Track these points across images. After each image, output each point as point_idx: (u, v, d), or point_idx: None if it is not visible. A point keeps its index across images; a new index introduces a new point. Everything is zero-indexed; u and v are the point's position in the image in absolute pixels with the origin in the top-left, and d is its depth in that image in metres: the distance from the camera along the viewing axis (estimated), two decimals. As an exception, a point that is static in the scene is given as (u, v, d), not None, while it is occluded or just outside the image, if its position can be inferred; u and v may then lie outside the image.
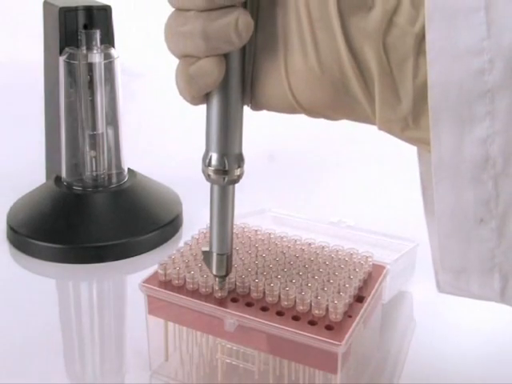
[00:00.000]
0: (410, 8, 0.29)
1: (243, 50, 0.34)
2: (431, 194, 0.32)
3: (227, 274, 0.39)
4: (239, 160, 0.36)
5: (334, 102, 0.32)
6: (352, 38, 0.30)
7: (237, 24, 0.31)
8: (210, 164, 0.36)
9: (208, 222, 0.48)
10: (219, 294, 0.39)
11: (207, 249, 0.39)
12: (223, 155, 0.35)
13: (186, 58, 0.33)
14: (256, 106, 0.35)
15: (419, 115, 0.30)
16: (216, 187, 0.37)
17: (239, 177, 0.36)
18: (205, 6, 0.31)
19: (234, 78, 0.34)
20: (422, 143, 0.31)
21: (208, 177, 0.36)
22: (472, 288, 0.31)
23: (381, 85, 0.30)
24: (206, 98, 0.35)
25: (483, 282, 0.30)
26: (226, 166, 0.36)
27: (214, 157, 0.36)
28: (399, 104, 0.30)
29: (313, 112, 0.34)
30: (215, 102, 0.34)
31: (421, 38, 0.29)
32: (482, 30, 0.28)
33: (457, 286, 0.32)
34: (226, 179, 0.36)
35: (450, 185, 0.29)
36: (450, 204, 0.30)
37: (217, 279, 0.39)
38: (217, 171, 0.36)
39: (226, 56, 0.33)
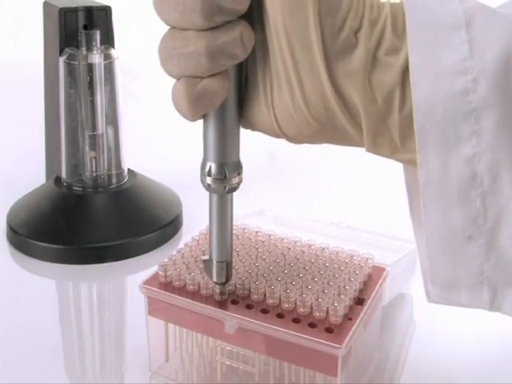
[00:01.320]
0: (392, 39, 0.29)
1: (240, 65, 0.33)
2: (417, 203, 0.32)
3: (227, 280, 0.39)
4: (238, 167, 0.36)
5: (320, 134, 0.32)
6: (337, 78, 0.30)
7: (242, 38, 0.31)
8: (209, 174, 0.36)
9: (208, 224, 0.48)
10: (220, 297, 0.39)
11: (207, 257, 0.39)
12: (222, 164, 0.35)
13: (188, 78, 0.32)
14: (244, 125, 0.36)
15: (407, 139, 0.30)
16: (215, 196, 0.37)
17: (238, 184, 0.37)
18: (205, 25, 0.30)
19: (231, 94, 0.34)
20: (411, 163, 0.31)
21: (208, 186, 0.36)
22: (462, 300, 0.31)
23: (367, 119, 0.30)
24: (203, 114, 0.35)
25: (473, 294, 0.31)
26: (226, 175, 0.36)
27: (214, 166, 0.36)
28: (387, 132, 0.30)
29: (298, 141, 0.34)
30: (213, 117, 0.35)
31: (405, 69, 0.29)
32: (464, 50, 0.28)
33: (447, 298, 0.32)
34: (227, 188, 0.36)
35: (438, 204, 0.30)
36: (439, 223, 0.30)
37: (217, 286, 0.39)
38: (217, 180, 0.36)
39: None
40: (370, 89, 0.30)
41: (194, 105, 0.33)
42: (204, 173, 0.36)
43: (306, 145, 0.35)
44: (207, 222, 0.47)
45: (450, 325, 0.50)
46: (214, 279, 0.39)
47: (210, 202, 0.37)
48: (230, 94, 0.34)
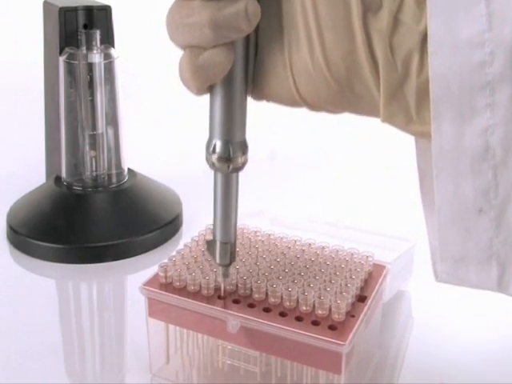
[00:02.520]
0: (414, 6, 0.30)
1: (247, 37, 0.33)
2: (428, 185, 0.33)
3: (231, 262, 0.38)
4: (243, 147, 0.36)
5: (338, 98, 0.32)
6: (368, 35, 0.30)
7: (246, 11, 0.31)
8: (213, 152, 0.35)
9: (208, 222, 0.48)
10: (222, 279, 0.39)
11: (210, 238, 0.38)
12: (227, 142, 0.35)
13: (192, 48, 0.32)
14: (257, 96, 0.35)
15: (423, 109, 0.30)
16: (220, 175, 0.36)
17: (243, 164, 0.36)
18: None
19: (238, 67, 0.33)
20: (425, 136, 0.31)
21: (212, 165, 0.36)
22: (470, 277, 0.31)
23: (386, 81, 0.30)
24: (210, 88, 0.34)
25: (481, 270, 0.31)
26: (230, 154, 0.35)
27: (218, 144, 0.35)
28: (403, 99, 0.30)
29: (315, 106, 0.34)
30: (219, 91, 0.34)
31: (424, 35, 0.29)
32: (482, 22, 0.28)
33: (455, 275, 0.32)
34: (231, 167, 0.35)
35: (450, 175, 0.30)
36: (450, 194, 0.30)
37: (220, 268, 0.39)
38: (221, 159, 0.35)
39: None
40: (390, 51, 0.30)
41: (197, 75, 0.32)
42: (209, 151, 0.35)
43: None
44: (207, 221, 0.47)
45: (448, 322, 0.50)
46: (218, 261, 0.38)
47: (214, 181, 0.37)
48: (236, 67, 0.33)
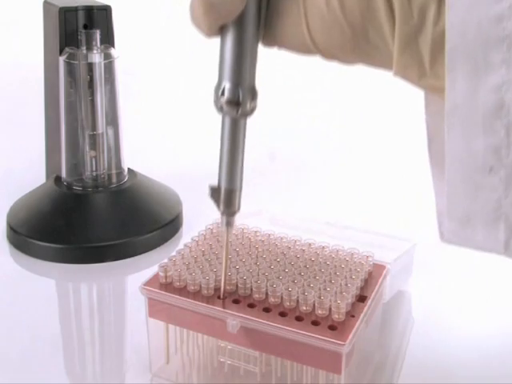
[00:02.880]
0: None
1: None
2: (437, 146, 0.32)
3: (235, 211, 0.38)
4: (253, 92, 0.35)
5: (352, 46, 0.32)
6: None
7: None
8: (222, 94, 0.35)
9: (208, 222, 0.48)
10: (226, 228, 0.38)
11: (215, 185, 0.37)
12: (237, 85, 0.34)
13: None
14: (269, 42, 0.35)
15: (437, 63, 0.30)
16: (228, 120, 0.36)
17: (252, 110, 0.35)
18: None
19: (251, 9, 0.33)
20: (438, 91, 0.30)
21: (220, 109, 0.35)
22: (477, 238, 0.31)
23: (401, 29, 0.30)
24: (221, 30, 0.34)
25: (488, 231, 0.30)
26: (239, 98, 0.35)
27: (228, 87, 0.34)
28: (418, 50, 0.30)
29: (328, 54, 0.33)
30: (231, 33, 0.34)
31: None
32: None
33: (461, 236, 0.31)
34: (240, 111, 0.35)
35: (462, 132, 0.29)
36: (461, 151, 0.29)
37: (224, 218, 0.38)
38: (230, 102, 0.35)
39: None
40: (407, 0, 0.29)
41: (209, 12, 0.32)
42: (217, 94, 0.35)
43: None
44: (207, 220, 0.47)
45: (448, 322, 0.50)
46: (222, 209, 0.38)
47: (222, 126, 0.36)
48: (249, 8, 0.33)
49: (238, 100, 0.35)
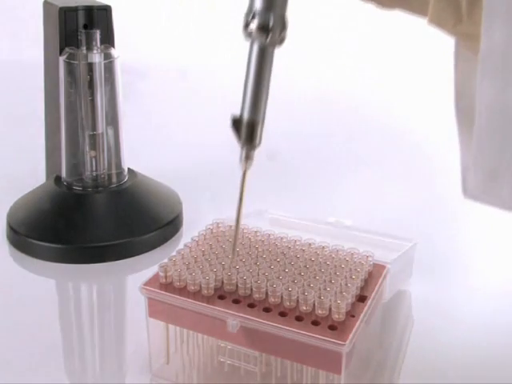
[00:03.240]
0: None
1: None
2: (465, 101, 0.32)
3: (255, 144, 0.37)
4: (283, 21, 0.35)
5: None
6: None
7: None
8: (253, 18, 0.34)
9: (208, 222, 0.48)
10: (244, 163, 0.37)
11: (237, 115, 0.37)
12: (268, 10, 0.34)
13: None
14: None
15: (474, 7, 0.29)
16: (256, 48, 0.35)
17: (281, 41, 0.35)
18: None
19: None
20: (472, 40, 0.30)
21: (249, 34, 0.35)
22: (502, 193, 0.30)
23: None
24: None
25: None
26: (269, 24, 0.34)
27: (259, 11, 0.34)
28: None
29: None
30: None
31: None
32: None
33: (486, 190, 0.31)
34: (269, 38, 0.35)
35: (496, 78, 0.28)
36: (492, 101, 0.29)
37: (244, 150, 0.37)
38: (260, 27, 0.34)
39: None
40: None
41: None
42: (247, 19, 0.35)
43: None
44: (208, 220, 0.47)
45: (448, 322, 0.50)
46: (243, 140, 0.37)
47: (249, 53, 0.36)
48: None
49: (268, 25, 0.34)
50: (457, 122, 0.34)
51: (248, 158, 0.37)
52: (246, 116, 0.36)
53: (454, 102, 0.34)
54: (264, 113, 0.37)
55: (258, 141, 0.37)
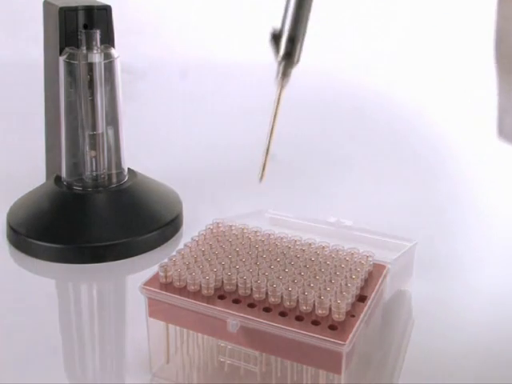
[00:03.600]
0: None
1: None
2: (505, 47, 0.32)
3: (294, 62, 0.36)
4: None
5: None
6: None
7: None
8: None
9: (208, 222, 0.47)
10: (281, 78, 0.37)
11: (277, 30, 0.36)
12: None
13: None
14: None
15: None
16: None
17: None
18: None
19: None
20: None
21: None
22: None
23: None
24: None
25: None
26: None
27: None
28: None
29: None
30: None
31: None
32: None
33: None
34: None
35: None
36: None
37: (281, 66, 0.36)
38: None
39: None
40: None
41: None
42: None
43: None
44: (208, 220, 0.47)
45: (448, 322, 0.50)
46: (280, 55, 0.36)
47: None
48: None
49: None
50: (496, 66, 0.34)
51: (285, 74, 0.36)
52: (286, 31, 0.35)
53: (494, 46, 0.34)
54: (305, 31, 0.36)
55: (296, 58, 0.36)
